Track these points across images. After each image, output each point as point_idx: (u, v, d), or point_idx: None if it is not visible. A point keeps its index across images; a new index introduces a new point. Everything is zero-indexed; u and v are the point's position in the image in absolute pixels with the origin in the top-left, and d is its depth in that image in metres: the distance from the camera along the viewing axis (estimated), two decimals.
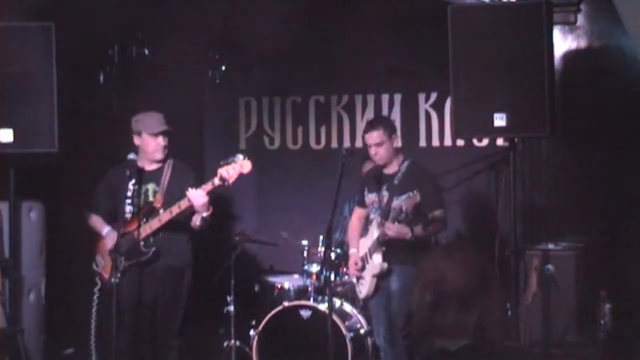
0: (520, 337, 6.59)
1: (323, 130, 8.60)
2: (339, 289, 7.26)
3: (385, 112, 8.39)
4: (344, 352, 6.87)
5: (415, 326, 3.04)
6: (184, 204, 6.42)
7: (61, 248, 7.17)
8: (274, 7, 7.55)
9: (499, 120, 6.56)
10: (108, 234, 6.60)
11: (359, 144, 7.87)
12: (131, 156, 6.56)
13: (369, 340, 7.04)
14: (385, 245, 6.49)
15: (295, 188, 8.45)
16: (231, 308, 7.30)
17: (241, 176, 6.37)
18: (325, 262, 6.80)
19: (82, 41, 7.32)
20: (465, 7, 7.10)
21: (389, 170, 6.65)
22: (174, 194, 6.53)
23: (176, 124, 6.89)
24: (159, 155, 6.60)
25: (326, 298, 6.73)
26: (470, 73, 6.65)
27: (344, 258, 7.11)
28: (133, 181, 6.53)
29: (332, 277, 6.99)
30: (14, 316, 6.74)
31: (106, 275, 6.56)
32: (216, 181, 6.37)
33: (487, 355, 2.99)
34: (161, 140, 6.58)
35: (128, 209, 6.55)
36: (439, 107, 8.24)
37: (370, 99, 8.46)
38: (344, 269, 7.20)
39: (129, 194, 6.55)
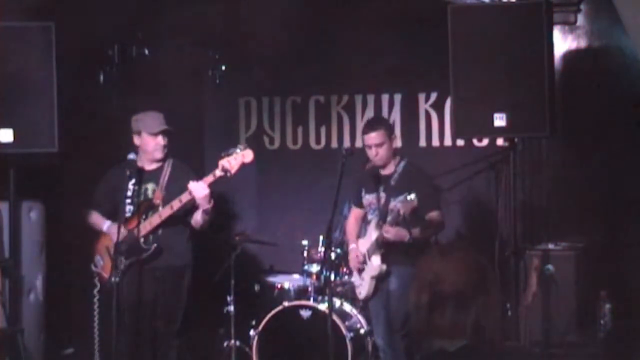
0: (520, 337, 6.60)
1: (323, 130, 8.60)
2: (339, 289, 7.26)
3: (385, 112, 8.38)
4: (344, 352, 6.87)
5: (413, 326, 3.04)
6: (184, 197, 6.41)
7: (61, 248, 7.16)
8: (274, 7, 7.55)
9: (499, 120, 6.56)
10: (109, 228, 6.59)
11: (359, 144, 7.86)
12: (131, 156, 6.56)
13: (369, 340, 7.04)
14: (384, 247, 6.49)
15: (295, 188, 8.45)
16: (231, 308, 7.30)
17: (243, 166, 6.36)
18: (325, 262, 6.81)
19: (82, 41, 7.31)
20: (465, 7, 7.10)
21: (386, 171, 6.66)
22: (174, 193, 6.53)
23: (176, 124, 6.89)
24: (159, 155, 6.60)
25: (326, 298, 6.73)
26: (470, 73, 6.65)
27: (344, 258, 7.11)
28: (133, 181, 6.54)
29: (332, 277, 6.99)
30: (14, 316, 6.74)
31: (105, 275, 6.57)
32: (217, 172, 6.36)
33: (486, 356, 2.99)
34: (161, 140, 6.58)
35: (128, 208, 6.55)
36: (439, 107, 8.23)
37: (370, 99, 8.46)
38: (344, 269, 7.20)
39: (129, 193, 6.55)
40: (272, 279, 7.67)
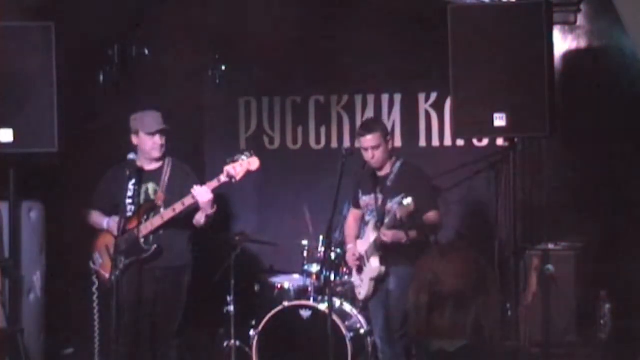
0: (520, 337, 6.59)
1: (323, 130, 8.60)
2: (339, 289, 7.26)
3: (385, 112, 8.38)
4: (344, 352, 6.87)
5: (412, 327, 3.03)
6: (187, 201, 6.42)
7: (61, 248, 7.16)
8: (274, 7, 7.55)
9: (499, 120, 6.56)
10: (109, 223, 6.59)
11: (359, 144, 7.86)
12: (131, 156, 6.57)
13: (369, 340, 7.04)
14: (382, 249, 6.48)
15: (295, 188, 8.45)
16: (231, 308, 7.30)
17: (248, 173, 6.37)
18: (325, 262, 6.81)
19: (82, 41, 7.31)
20: (465, 7, 7.10)
21: (383, 172, 6.65)
22: (174, 192, 6.54)
23: (176, 124, 6.89)
24: (156, 154, 6.60)
25: (326, 298, 6.73)
26: (470, 73, 6.65)
27: (344, 258, 7.11)
28: (133, 181, 6.54)
29: (332, 277, 6.99)
30: (14, 316, 6.73)
31: (104, 273, 6.57)
32: (222, 178, 6.38)
33: (486, 356, 2.99)
34: (158, 139, 6.58)
35: (129, 208, 6.55)
36: (439, 107, 8.23)
37: (370, 99, 8.46)
38: (344, 269, 7.20)
39: (130, 193, 6.55)
40: (272, 279, 7.67)
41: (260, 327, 7.12)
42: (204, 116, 8.96)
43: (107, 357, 6.58)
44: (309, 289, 7.34)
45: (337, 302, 7.09)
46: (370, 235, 6.56)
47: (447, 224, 7.64)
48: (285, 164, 8.55)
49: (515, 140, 6.86)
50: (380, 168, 6.64)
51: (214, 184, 6.41)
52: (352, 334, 6.97)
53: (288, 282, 7.54)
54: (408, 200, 6.12)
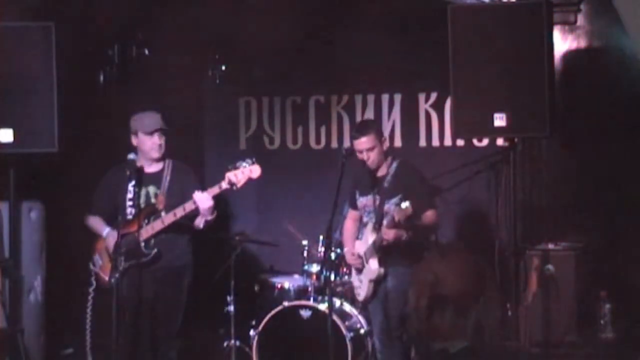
0: (520, 337, 6.60)
1: (323, 130, 8.60)
2: (339, 289, 7.26)
3: (385, 112, 8.38)
4: (344, 352, 6.87)
5: (413, 329, 3.03)
6: (188, 206, 6.43)
7: (61, 248, 7.16)
8: (274, 7, 7.55)
9: (499, 120, 6.56)
10: (108, 234, 6.60)
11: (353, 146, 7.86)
12: (131, 156, 6.56)
13: (369, 340, 7.03)
14: (381, 250, 6.48)
15: (295, 188, 8.45)
16: (231, 308, 7.30)
17: (250, 181, 6.39)
18: (325, 262, 6.81)
19: (82, 41, 7.31)
20: (465, 7, 7.10)
21: (379, 172, 6.65)
22: (176, 195, 6.54)
23: (176, 124, 6.89)
24: (155, 154, 6.60)
25: (326, 298, 6.73)
26: (470, 73, 6.65)
27: (343, 258, 7.11)
28: (133, 182, 6.53)
29: (332, 277, 6.99)
30: (14, 316, 6.74)
31: (103, 275, 6.57)
32: (224, 185, 6.39)
33: (487, 356, 2.99)
34: (157, 139, 6.58)
35: (129, 210, 6.55)
36: (439, 107, 8.23)
37: (370, 99, 8.46)
38: (344, 269, 7.20)
39: (130, 195, 6.55)
40: (272, 279, 7.67)
41: (260, 327, 7.12)
42: (204, 116, 8.96)
43: (107, 357, 6.58)
44: (309, 289, 7.34)
45: (337, 302, 7.09)
46: (369, 237, 6.56)
47: (447, 224, 7.65)
48: (285, 164, 8.55)
49: (515, 140, 6.86)
50: (377, 169, 6.64)
51: (215, 190, 6.42)
52: (352, 334, 6.97)
53: (288, 282, 7.54)
54: (406, 204, 6.11)
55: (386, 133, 8.17)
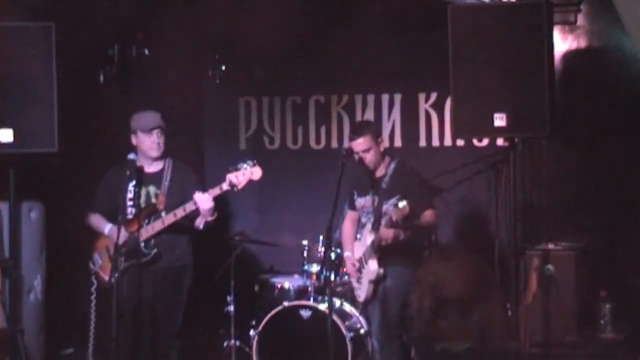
0: (520, 337, 6.59)
1: (323, 130, 8.60)
2: (339, 289, 7.26)
3: (385, 112, 8.38)
4: (344, 352, 6.87)
5: (416, 330, 3.04)
6: (189, 207, 6.43)
7: (61, 248, 7.16)
8: (274, 7, 7.55)
9: (499, 120, 6.55)
10: (110, 230, 6.59)
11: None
12: (131, 156, 6.57)
13: (369, 340, 7.03)
14: (380, 250, 6.48)
15: (295, 188, 8.45)
16: (231, 308, 7.30)
17: (251, 182, 6.39)
18: (325, 262, 6.81)
19: (82, 41, 7.31)
20: (465, 7, 7.10)
21: (378, 173, 6.65)
22: (176, 195, 6.54)
23: (176, 124, 6.89)
24: (154, 153, 6.60)
25: (326, 298, 6.73)
26: (470, 73, 6.64)
27: (343, 258, 7.11)
28: (133, 182, 6.53)
29: (332, 277, 6.99)
30: (14, 316, 6.73)
31: (103, 275, 6.57)
32: (224, 186, 6.39)
33: (489, 357, 2.99)
34: (155, 138, 6.58)
35: (129, 210, 6.55)
36: (439, 107, 8.23)
37: (370, 99, 8.46)
38: (344, 269, 7.19)
39: (130, 195, 6.55)
40: (272, 279, 7.67)
41: (260, 327, 7.12)
42: (204, 116, 8.96)
43: (105, 357, 6.58)
44: (309, 289, 7.34)
45: (337, 302, 7.09)
46: (367, 238, 6.56)
47: (447, 224, 7.65)
48: (285, 164, 8.55)
49: (515, 140, 6.85)
50: (375, 169, 6.64)
51: (216, 191, 6.42)
52: (352, 334, 6.97)
53: (288, 282, 7.54)
54: (403, 203, 6.12)
55: (386, 133, 8.19)
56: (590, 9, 7.65)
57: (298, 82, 8.57)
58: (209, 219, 6.51)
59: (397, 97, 8.39)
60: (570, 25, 7.66)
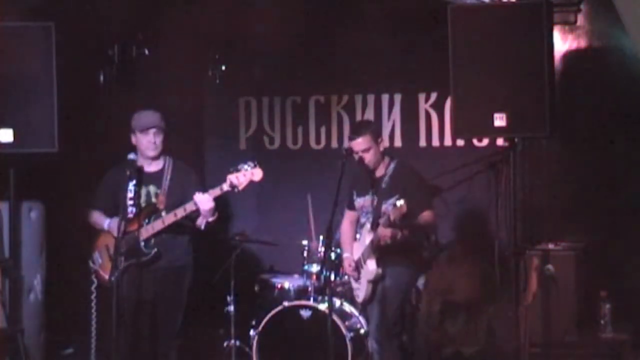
0: (520, 337, 6.59)
1: (323, 130, 8.60)
2: (339, 289, 7.26)
3: (385, 112, 8.39)
4: (344, 352, 6.87)
5: (424, 334, 3.05)
6: (189, 207, 6.44)
7: (61, 248, 7.17)
8: (274, 7, 7.55)
9: (499, 120, 6.55)
10: (110, 224, 6.59)
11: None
12: (131, 156, 6.57)
13: (369, 340, 7.03)
14: (379, 250, 6.48)
15: (295, 188, 8.45)
16: (231, 308, 7.31)
17: (251, 184, 6.39)
18: (325, 262, 6.81)
19: (82, 41, 7.31)
20: (465, 7, 7.10)
21: (377, 173, 6.65)
22: (176, 195, 6.55)
23: (176, 124, 6.89)
24: (151, 152, 6.61)
25: (326, 298, 6.73)
26: (470, 73, 6.64)
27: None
28: (134, 181, 6.54)
29: (332, 277, 6.99)
30: (14, 316, 6.74)
31: (103, 273, 6.57)
32: (225, 187, 6.40)
33: (493, 358, 2.99)
34: (151, 137, 6.59)
35: (130, 209, 6.55)
36: (439, 107, 8.23)
37: (370, 99, 8.46)
38: (344, 269, 7.19)
39: (131, 195, 6.55)
40: (272, 279, 7.67)
41: (260, 327, 7.12)
42: (204, 116, 8.96)
43: (104, 356, 6.58)
44: (309, 289, 7.34)
45: (337, 302, 7.09)
46: (366, 238, 6.56)
47: (447, 224, 7.65)
48: (285, 164, 8.55)
49: (515, 140, 6.85)
50: (374, 169, 6.64)
51: (217, 192, 6.42)
52: (352, 334, 6.98)
53: (288, 282, 7.54)
54: (400, 202, 6.12)
55: (386, 133, 8.19)
56: (590, 9, 7.64)
57: (298, 82, 8.57)
58: (210, 219, 6.51)
59: (397, 97, 8.39)
60: (570, 25, 7.66)
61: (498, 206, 7.03)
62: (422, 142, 8.31)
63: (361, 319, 7.11)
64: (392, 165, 6.66)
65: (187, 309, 6.70)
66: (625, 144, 7.34)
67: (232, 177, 6.38)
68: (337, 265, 7.20)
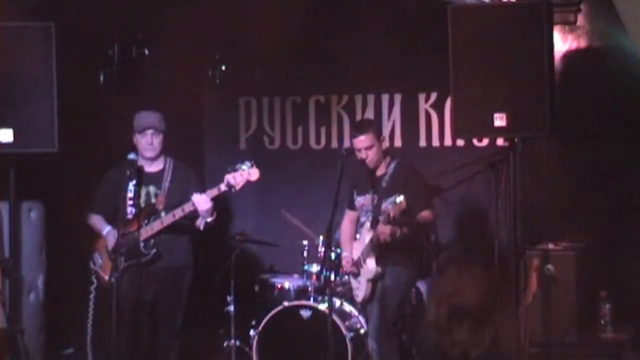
0: (520, 337, 6.59)
1: (323, 130, 8.60)
2: (339, 289, 7.26)
3: (385, 112, 8.39)
4: (344, 352, 6.87)
5: (432, 340, 3.04)
6: (187, 207, 6.44)
7: (61, 248, 7.16)
8: (274, 7, 7.55)
9: (499, 120, 6.55)
10: (108, 233, 6.60)
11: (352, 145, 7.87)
12: (131, 156, 6.57)
13: (368, 340, 7.03)
14: (379, 249, 6.48)
15: (295, 188, 8.45)
16: (231, 308, 7.30)
17: (248, 183, 6.40)
18: (325, 262, 6.81)
19: (82, 41, 7.31)
20: (465, 7, 7.10)
21: (378, 172, 6.65)
22: (176, 196, 6.55)
23: (176, 124, 6.88)
24: (148, 153, 6.61)
25: (326, 298, 6.73)
26: (470, 73, 6.64)
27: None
28: (134, 182, 6.54)
29: (332, 277, 6.99)
30: (14, 316, 6.74)
31: (103, 274, 6.58)
32: (222, 187, 6.40)
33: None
34: (149, 138, 6.59)
35: (129, 210, 6.55)
36: (439, 107, 8.23)
37: (370, 99, 8.46)
38: (344, 269, 7.19)
39: (130, 195, 6.55)
40: (272, 279, 7.67)
41: (260, 327, 7.12)
42: (204, 116, 8.96)
43: (104, 357, 6.58)
44: (309, 289, 7.33)
45: (337, 302, 7.09)
46: (366, 236, 6.56)
47: (447, 224, 7.65)
48: (285, 164, 8.55)
49: (515, 140, 6.85)
50: (375, 168, 6.64)
51: (214, 192, 6.43)
52: (352, 334, 6.97)
53: (288, 282, 7.54)
54: (400, 198, 6.12)
55: (386, 133, 8.18)
56: (590, 9, 7.64)
57: (298, 82, 8.57)
58: (209, 219, 6.51)
59: (397, 97, 8.39)
60: (570, 25, 7.65)
61: (498, 206, 7.03)
62: (422, 142, 8.31)
63: (361, 319, 7.11)
64: (392, 165, 6.66)
65: (187, 309, 6.70)
66: (625, 144, 7.33)
67: (229, 177, 6.38)
68: (337, 265, 7.20)
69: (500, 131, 6.69)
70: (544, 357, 6.69)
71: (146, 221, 6.53)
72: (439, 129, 8.25)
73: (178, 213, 6.46)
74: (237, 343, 7.36)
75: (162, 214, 6.52)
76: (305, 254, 7.47)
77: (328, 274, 6.83)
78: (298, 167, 8.57)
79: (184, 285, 6.65)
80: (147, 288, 6.53)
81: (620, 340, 6.93)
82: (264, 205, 8.62)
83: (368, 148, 6.57)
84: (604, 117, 7.43)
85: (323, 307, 6.97)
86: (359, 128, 6.76)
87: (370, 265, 6.54)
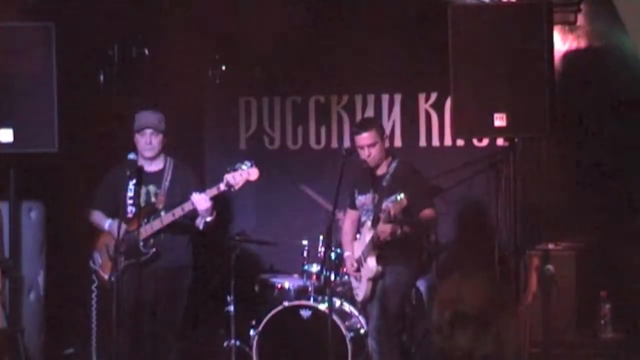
0: (520, 337, 6.59)
1: (323, 130, 8.60)
2: (339, 289, 7.26)
3: (385, 112, 8.38)
4: (344, 352, 6.87)
5: (436, 344, 3.04)
6: (187, 207, 6.44)
7: (61, 248, 7.16)
8: (274, 7, 7.54)
9: (499, 120, 6.55)
10: (110, 225, 6.59)
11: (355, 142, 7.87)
12: (131, 156, 6.57)
13: (368, 340, 7.03)
14: (379, 248, 6.48)
15: (295, 188, 8.44)
16: (231, 308, 7.30)
17: (248, 183, 6.40)
18: (325, 262, 6.81)
19: (82, 41, 7.31)
20: (465, 7, 7.10)
21: (379, 171, 6.65)
22: (176, 196, 6.55)
23: (176, 124, 6.88)
24: (147, 153, 6.61)
25: (326, 298, 6.73)
26: (470, 73, 6.64)
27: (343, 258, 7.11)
28: (134, 181, 6.54)
29: (332, 277, 6.99)
30: (14, 316, 6.74)
31: (103, 273, 6.58)
32: (222, 187, 6.40)
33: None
34: (148, 138, 6.59)
35: (130, 209, 6.56)
36: (439, 107, 8.23)
37: (370, 99, 8.45)
38: (344, 269, 7.19)
39: (131, 194, 6.55)
40: (272, 279, 7.67)
41: (260, 327, 7.12)
42: (204, 116, 8.96)
43: (105, 356, 6.58)
44: (309, 289, 7.33)
45: (337, 302, 7.08)
46: (367, 235, 6.56)
47: (447, 224, 7.65)
48: (285, 164, 8.55)
49: (515, 140, 6.85)
50: (377, 167, 6.64)
51: (213, 191, 6.43)
52: (352, 334, 6.97)
53: (288, 282, 7.54)
54: (400, 196, 6.13)
55: (386, 133, 8.18)
56: (590, 9, 7.64)
57: (298, 82, 8.56)
58: (208, 219, 6.51)
59: (397, 97, 8.39)
60: (570, 25, 7.66)
61: (498, 206, 7.04)
62: (422, 142, 8.31)
63: (361, 318, 7.11)
64: (394, 164, 6.66)
65: (187, 309, 6.70)
66: (626, 144, 7.33)
67: (228, 177, 6.39)
68: (337, 265, 7.20)
69: (500, 131, 6.70)
70: (544, 357, 6.70)
71: (146, 220, 6.54)
72: (439, 129, 8.25)
73: (178, 212, 6.47)
74: (237, 343, 7.35)
75: (162, 213, 6.53)
76: (305, 254, 7.47)
77: (328, 274, 6.83)
78: (298, 167, 8.57)
79: (184, 285, 6.65)
80: (147, 288, 6.53)
81: (620, 340, 6.93)
82: (264, 205, 8.62)
83: (371, 145, 6.57)
84: (604, 117, 7.43)
85: (323, 307, 6.97)
86: (362, 125, 6.77)
87: (371, 264, 6.54)
